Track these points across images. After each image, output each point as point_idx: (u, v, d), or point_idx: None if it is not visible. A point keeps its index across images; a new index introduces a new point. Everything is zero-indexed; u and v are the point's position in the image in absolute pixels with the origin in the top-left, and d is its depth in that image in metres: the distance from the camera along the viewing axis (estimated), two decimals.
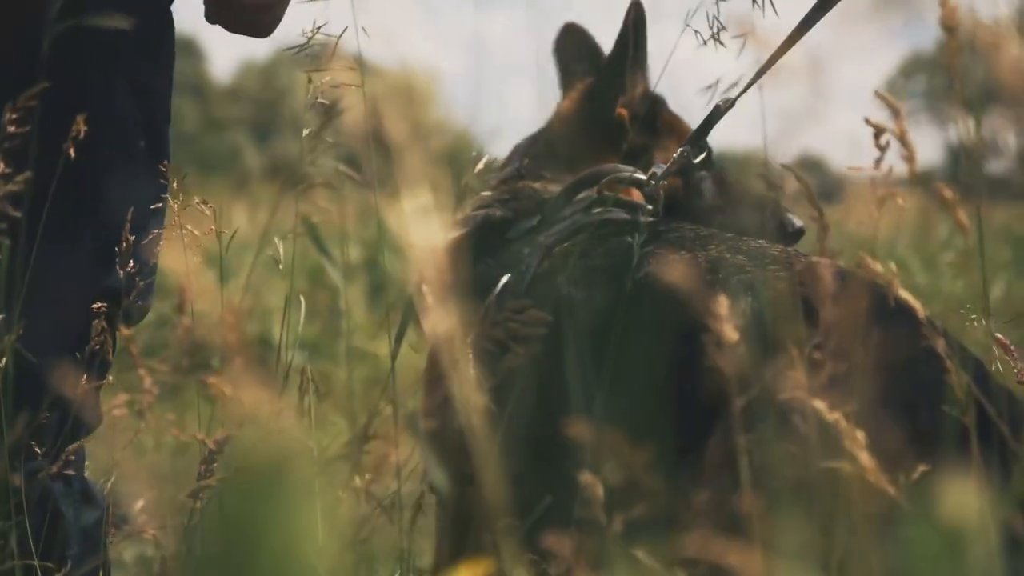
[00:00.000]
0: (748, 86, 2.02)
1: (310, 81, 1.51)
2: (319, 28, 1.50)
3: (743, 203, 2.18)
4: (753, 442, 1.26)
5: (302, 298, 2.01)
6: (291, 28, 1.82)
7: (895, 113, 1.30)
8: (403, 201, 1.15)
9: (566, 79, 2.28)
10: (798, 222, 2.17)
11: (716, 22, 2.13)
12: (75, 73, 1.84)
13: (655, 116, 2.21)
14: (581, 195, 1.96)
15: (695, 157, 2.06)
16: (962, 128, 1.43)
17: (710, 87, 2.14)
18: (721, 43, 2.14)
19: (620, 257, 1.72)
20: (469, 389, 1.44)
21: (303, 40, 1.50)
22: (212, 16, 1.89)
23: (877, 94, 1.34)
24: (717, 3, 2.11)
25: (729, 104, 2.02)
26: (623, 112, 2.16)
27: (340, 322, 5.28)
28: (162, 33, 1.96)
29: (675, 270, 1.53)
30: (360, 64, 1.54)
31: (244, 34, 1.90)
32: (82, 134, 1.68)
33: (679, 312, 1.30)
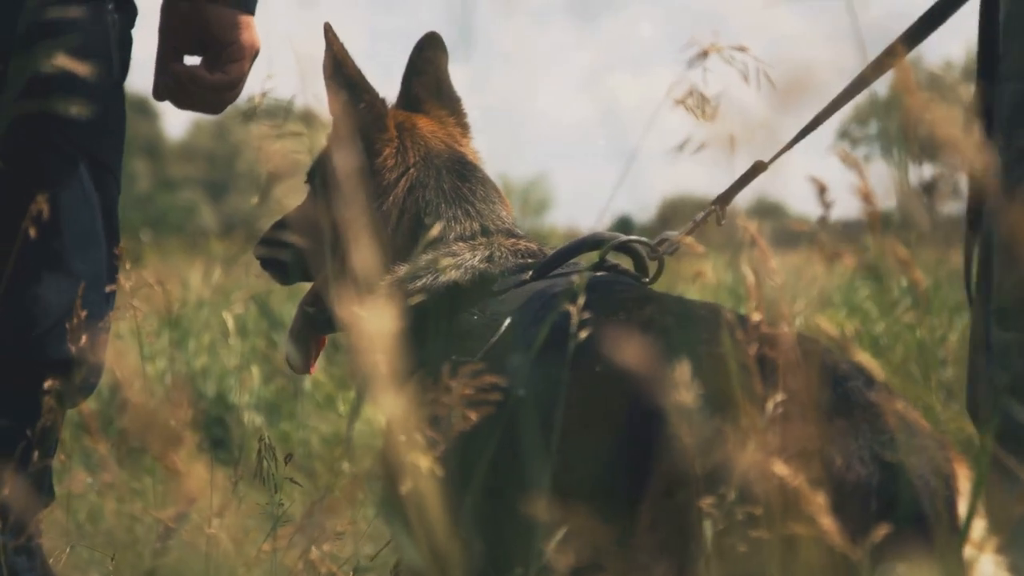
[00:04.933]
0: (789, 146, 2.01)
1: (260, 148, 1.51)
2: (265, 94, 1.50)
3: None
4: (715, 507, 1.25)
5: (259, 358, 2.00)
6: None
7: (858, 171, 1.30)
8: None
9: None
10: None
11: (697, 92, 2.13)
12: (35, 153, 1.82)
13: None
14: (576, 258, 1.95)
15: (723, 215, 2.04)
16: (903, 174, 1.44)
17: (681, 146, 2.13)
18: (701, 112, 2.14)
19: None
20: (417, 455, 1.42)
21: (250, 106, 1.50)
22: (164, 94, 1.87)
23: (840, 153, 1.35)
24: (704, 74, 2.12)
25: (765, 165, 2.01)
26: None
27: (299, 382, 5.25)
28: (117, 108, 1.95)
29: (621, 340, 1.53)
30: (309, 127, 1.55)
31: (198, 111, 1.88)
32: (45, 213, 1.65)
33: (625, 380, 1.29)
